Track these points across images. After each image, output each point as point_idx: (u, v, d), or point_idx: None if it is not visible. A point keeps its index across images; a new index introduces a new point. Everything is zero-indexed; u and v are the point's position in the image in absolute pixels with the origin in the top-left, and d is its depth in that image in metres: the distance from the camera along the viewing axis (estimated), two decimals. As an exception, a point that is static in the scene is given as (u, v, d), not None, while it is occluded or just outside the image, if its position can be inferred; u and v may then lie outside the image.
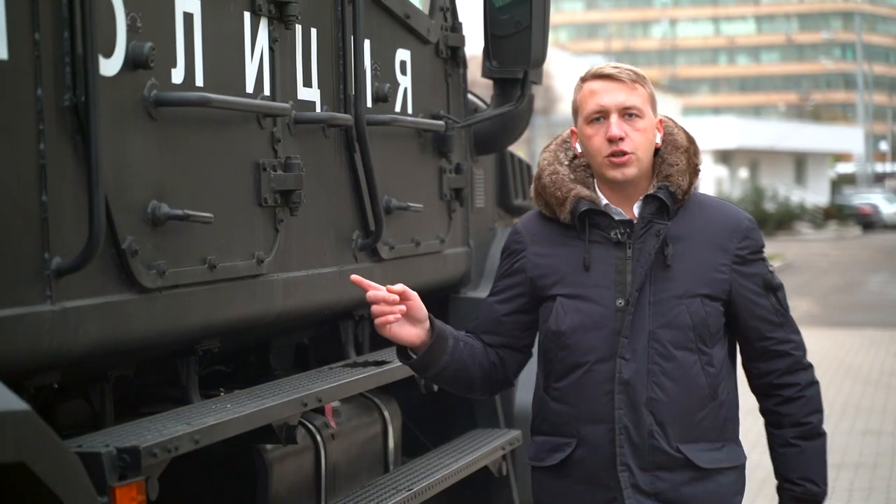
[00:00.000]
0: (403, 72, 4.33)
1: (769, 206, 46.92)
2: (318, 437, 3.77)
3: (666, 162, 3.00)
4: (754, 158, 60.60)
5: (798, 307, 19.75)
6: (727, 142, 56.62)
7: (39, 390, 2.81)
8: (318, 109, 3.78)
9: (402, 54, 4.33)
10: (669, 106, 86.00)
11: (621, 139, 2.92)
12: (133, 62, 2.89)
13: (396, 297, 2.92)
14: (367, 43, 4.01)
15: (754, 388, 3.11)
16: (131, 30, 2.90)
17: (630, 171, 2.94)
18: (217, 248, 3.23)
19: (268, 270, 3.47)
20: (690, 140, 3.07)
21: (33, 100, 2.60)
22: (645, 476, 2.94)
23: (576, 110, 3.03)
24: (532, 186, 3.10)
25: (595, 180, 3.02)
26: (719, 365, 2.99)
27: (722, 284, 2.98)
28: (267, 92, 3.50)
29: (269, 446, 3.54)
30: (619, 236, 2.97)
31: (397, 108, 4.29)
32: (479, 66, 4.79)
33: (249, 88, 3.42)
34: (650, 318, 2.94)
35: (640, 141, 2.94)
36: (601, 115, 2.95)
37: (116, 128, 2.86)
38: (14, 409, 2.04)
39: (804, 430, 3.06)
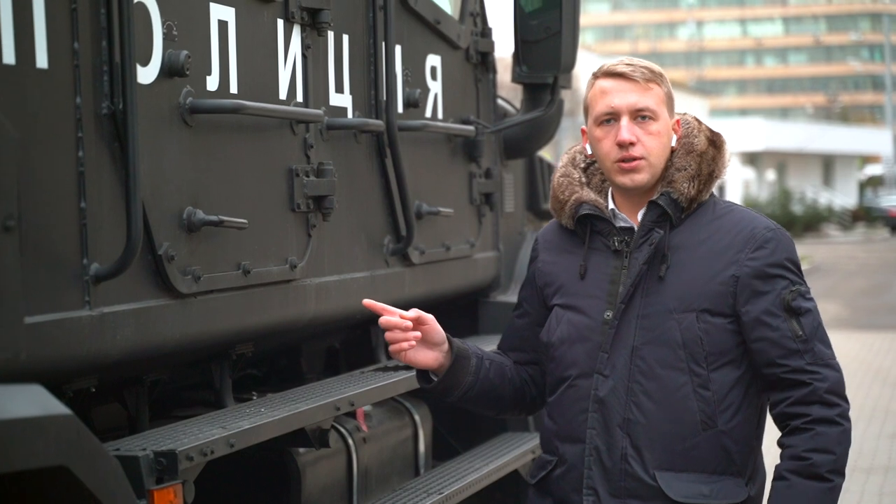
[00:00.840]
0: (434, 77, 4.36)
1: (797, 209, 46.74)
2: (350, 441, 3.80)
3: (673, 166, 2.79)
4: (782, 160, 60.33)
5: (826, 310, 19.67)
6: (754, 144, 56.37)
7: (77, 394, 2.85)
8: (349, 115, 3.81)
9: (433, 60, 4.36)
10: (696, 107, 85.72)
11: (632, 144, 2.73)
12: (169, 70, 2.93)
13: (409, 324, 2.77)
14: (398, 49, 4.04)
15: (774, 419, 2.79)
16: (167, 38, 2.94)
17: (640, 178, 2.75)
18: (251, 253, 3.26)
19: (300, 275, 3.50)
20: (715, 145, 2.84)
21: (73, 108, 2.64)
22: (614, 502, 2.72)
23: (586, 109, 2.83)
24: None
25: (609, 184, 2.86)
26: (722, 389, 2.71)
27: (726, 298, 2.71)
28: (300, 98, 3.53)
29: (301, 450, 3.58)
30: (617, 244, 2.79)
31: (428, 114, 4.32)
32: (509, 69, 4.81)
33: (283, 95, 3.45)
34: (636, 333, 2.73)
35: (652, 145, 2.74)
36: (612, 117, 2.76)
37: (153, 135, 2.89)
38: (56, 414, 2.08)
39: (801, 465, 2.68)
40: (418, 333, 2.80)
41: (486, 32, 4.78)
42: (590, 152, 2.85)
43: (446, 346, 2.85)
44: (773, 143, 57.37)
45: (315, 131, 3.59)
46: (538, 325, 2.90)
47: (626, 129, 2.74)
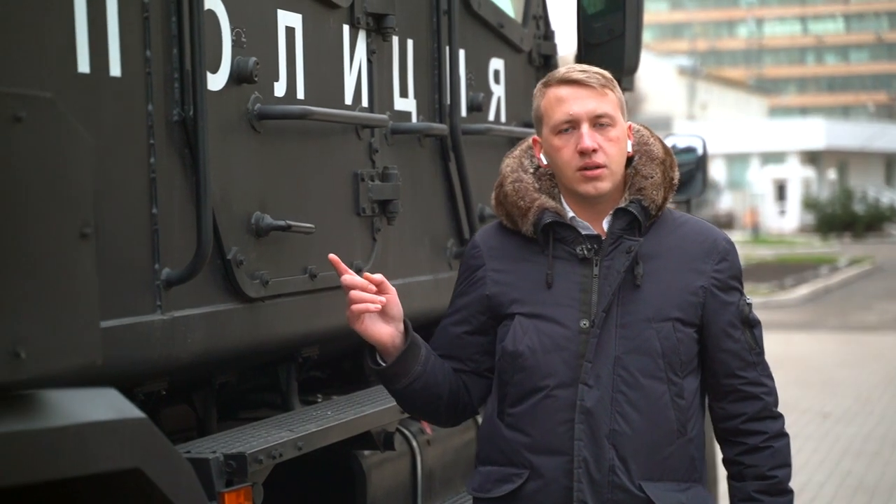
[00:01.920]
0: (497, 81, 4.37)
1: (858, 208, 46.20)
2: (415, 443, 3.82)
3: (640, 174, 2.76)
4: (843, 159, 59.67)
5: (888, 310, 19.45)
6: (815, 143, 55.84)
7: (148, 396, 2.89)
8: (414, 120, 3.84)
9: (496, 63, 4.37)
10: (755, 107, 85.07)
11: (594, 151, 2.68)
12: (238, 76, 2.96)
13: (374, 287, 2.71)
14: (461, 53, 4.06)
15: (718, 432, 2.84)
16: (236, 45, 2.97)
17: (604, 185, 2.71)
18: (317, 257, 3.29)
19: (366, 279, 3.51)
20: (667, 151, 2.82)
21: (144, 115, 2.68)
22: None
23: (539, 119, 2.77)
24: (493, 195, 2.88)
25: (560, 191, 2.80)
26: (690, 397, 2.74)
27: (696, 309, 2.73)
28: (365, 103, 3.56)
29: (366, 452, 3.60)
30: (585, 252, 2.73)
31: (491, 117, 4.33)
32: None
33: (348, 100, 3.48)
34: (616, 342, 2.69)
35: (613, 152, 2.70)
36: (570, 125, 2.71)
37: (222, 141, 2.93)
38: (131, 417, 2.11)
39: (768, 483, 2.77)
40: (383, 299, 2.72)
41: (548, 35, 4.78)
42: (545, 162, 2.79)
43: (402, 325, 2.77)
44: (834, 142, 56.78)
45: (380, 136, 3.62)
46: (479, 333, 2.83)
47: (587, 136, 2.69)
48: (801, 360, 13.89)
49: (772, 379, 2.83)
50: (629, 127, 2.79)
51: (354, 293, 2.72)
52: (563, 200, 2.79)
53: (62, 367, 1.92)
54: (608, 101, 2.72)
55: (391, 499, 3.73)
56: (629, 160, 2.79)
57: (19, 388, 1.92)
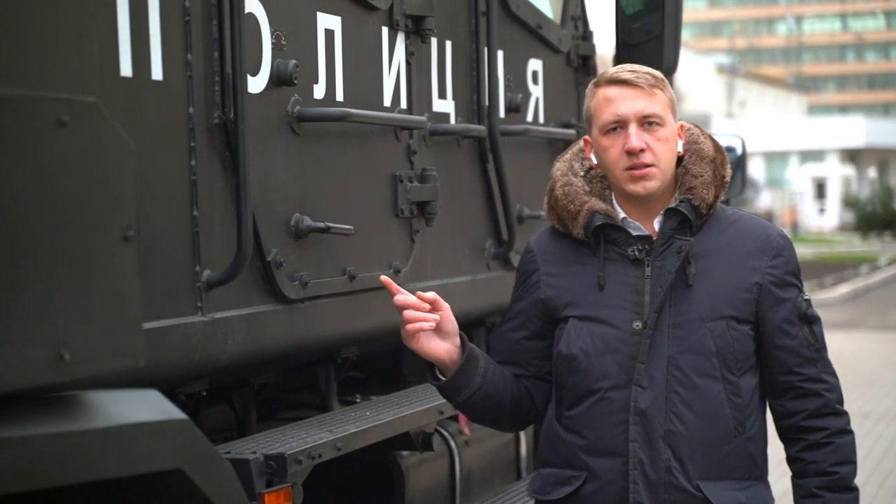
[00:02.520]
0: (535, 82, 4.37)
1: (899, 206, 45.78)
2: (453, 444, 3.83)
3: (689, 173, 2.76)
4: (883, 157, 59.17)
5: (930, 311, 19.27)
6: (854, 141, 55.41)
7: (189, 397, 2.91)
8: (452, 121, 3.84)
9: (534, 64, 4.37)
10: (795, 104, 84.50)
11: (641, 151, 2.68)
12: (278, 79, 2.98)
13: (427, 306, 2.72)
14: (500, 54, 4.06)
15: (780, 430, 2.82)
16: (276, 48, 2.99)
17: (652, 185, 2.70)
18: (356, 259, 3.30)
19: (404, 280, 3.53)
20: (718, 149, 2.81)
21: (185, 118, 2.70)
22: None
23: (589, 119, 2.77)
24: (545, 199, 2.87)
25: (612, 193, 2.80)
26: (747, 395, 2.73)
27: (750, 306, 2.72)
28: (403, 105, 3.57)
29: (405, 453, 3.61)
30: (636, 253, 2.73)
31: (529, 118, 4.33)
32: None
33: (387, 102, 3.49)
34: (670, 342, 2.69)
35: (661, 151, 2.70)
36: (618, 125, 2.70)
37: (262, 143, 2.95)
38: (173, 418, 2.12)
39: (830, 480, 2.75)
40: (437, 316, 2.73)
41: (587, 36, 4.77)
42: (595, 162, 2.80)
43: (458, 340, 2.78)
44: (874, 140, 56.31)
45: (418, 137, 3.63)
46: (537, 338, 2.83)
47: (634, 136, 2.69)
48: (840, 360, 13.76)
49: (834, 376, 2.79)
50: (681, 126, 2.79)
51: (408, 313, 2.72)
52: (614, 202, 2.79)
53: (105, 368, 1.94)
54: (657, 101, 2.71)
55: (430, 499, 3.74)
56: (679, 159, 2.78)
57: (63, 390, 1.94)
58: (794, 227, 46.59)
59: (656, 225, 2.75)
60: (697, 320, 2.69)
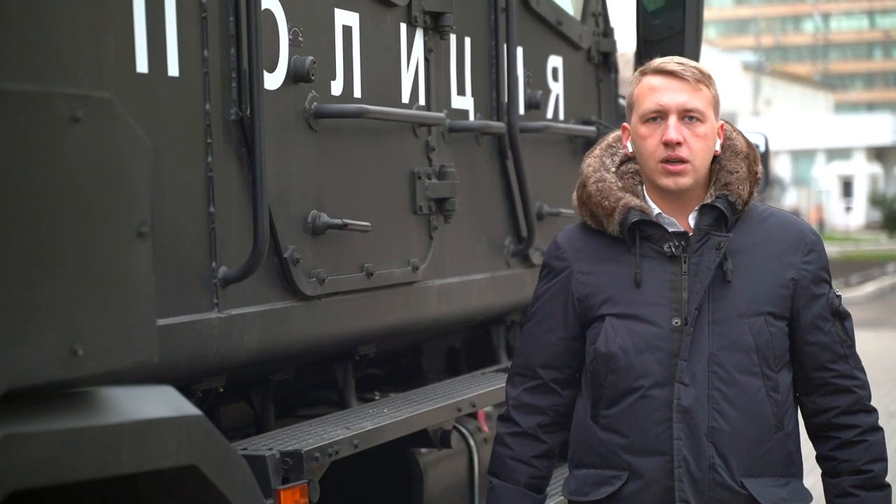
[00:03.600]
0: (555, 78, 4.36)
1: (926, 205, 45.47)
2: (472, 441, 3.82)
3: (725, 169, 2.73)
4: (911, 155, 58.77)
5: (957, 310, 19.13)
6: (882, 138, 55.05)
7: (206, 394, 2.91)
8: (471, 118, 3.83)
9: (554, 61, 4.35)
10: (821, 102, 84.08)
11: (678, 144, 2.65)
12: (295, 76, 2.98)
13: None
14: (519, 51, 4.04)
15: (810, 428, 2.81)
16: (293, 44, 2.99)
17: (684, 181, 2.67)
18: (374, 255, 3.30)
19: (423, 277, 3.53)
20: (750, 146, 2.79)
21: (202, 114, 2.70)
22: None
23: (631, 105, 2.74)
24: (575, 195, 2.82)
25: (644, 188, 2.76)
26: (785, 391, 2.72)
27: (786, 302, 2.71)
28: (422, 101, 3.56)
29: (423, 450, 3.61)
30: (672, 250, 2.69)
31: (549, 115, 4.31)
32: (630, 65, 4.78)
33: (405, 98, 3.48)
34: (710, 339, 2.66)
35: (698, 148, 2.67)
36: (659, 115, 2.67)
37: (279, 140, 2.94)
38: (187, 415, 2.12)
39: (864, 478, 2.75)
40: None
41: (607, 32, 4.76)
42: (630, 150, 2.77)
43: None
44: (902, 138, 55.93)
45: (437, 134, 3.62)
46: (573, 339, 2.78)
47: (673, 128, 2.66)
48: (866, 358, 13.62)
49: (864, 372, 2.79)
50: (721, 126, 2.76)
51: None
52: (646, 197, 2.76)
53: (119, 364, 1.94)
54: (700, 97, 2.69)
55: (448, 497, 3.73)
56: (715, 157, 2.76)
57: (77, 386, 1.95)
58: (821, 225, 46.34)
59: (691, 221, 2.73)
60: (736, 317, 2.68)
